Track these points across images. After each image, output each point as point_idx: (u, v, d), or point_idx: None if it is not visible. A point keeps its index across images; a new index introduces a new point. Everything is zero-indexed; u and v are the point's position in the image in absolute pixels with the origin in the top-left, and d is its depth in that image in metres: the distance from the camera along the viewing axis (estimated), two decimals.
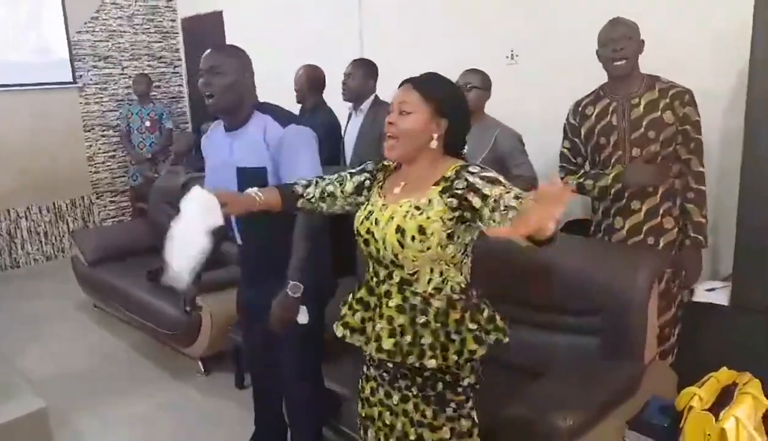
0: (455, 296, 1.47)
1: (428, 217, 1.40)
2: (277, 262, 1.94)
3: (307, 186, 1.65)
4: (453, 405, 1.52)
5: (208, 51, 1.95)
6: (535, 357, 2.14)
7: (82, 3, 5.42)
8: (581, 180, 2.36)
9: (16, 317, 4.17)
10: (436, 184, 1.44)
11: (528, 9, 3.29)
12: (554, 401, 1.76)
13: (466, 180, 1.39)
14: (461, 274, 1.49)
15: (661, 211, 2.27)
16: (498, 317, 1.54)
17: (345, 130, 3.33)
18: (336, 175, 1.66)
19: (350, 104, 3.34)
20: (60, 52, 5.36)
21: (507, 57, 3.35)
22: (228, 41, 5.36)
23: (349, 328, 1.57)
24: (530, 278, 2.18)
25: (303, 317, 1.92)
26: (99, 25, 5.57)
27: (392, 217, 1.45)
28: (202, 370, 3.28)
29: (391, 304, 1.48)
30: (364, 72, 3.17)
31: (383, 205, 1.51)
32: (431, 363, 1.45)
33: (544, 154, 2.74)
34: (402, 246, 1.42)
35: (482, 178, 1.38)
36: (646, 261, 2.06)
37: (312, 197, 1.63)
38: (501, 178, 1.39)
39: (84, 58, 5.50)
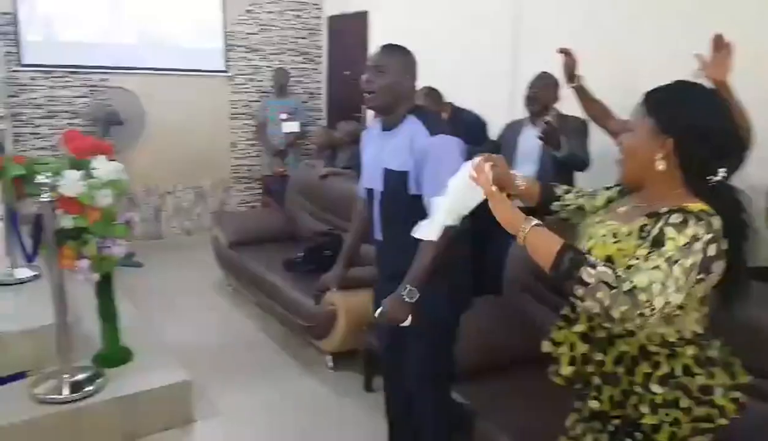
0: (653, 348, 1.29)
1: (620, 249, 1.26)
2: None
3: (567, 191, 1.58)
4: None
5: (377, 48, 2.01)
6: None
7: None
8: None
9: (158, 285, 4.45)
10: (648, 216, 1.28)
11: None
12: None
13: (661, 229, 1.21)
14: (670, 326, 1.29)
15: None
16: (728, 383, 1.31)
17: (517, 142, 3.22)
18: (589, 189, 1.57)
19: (527, 115, 3.23)
20: (216, 42, 5.71)
21: None
22: (371, 42, 5.45)
23: (555, 344, 1.46)
24: None
25: (407, 322, 1.93)
26: (252, 18, 5.86)
27: (591, 238, 1.36)
28: (331, 365, 3.33)
29: (577, 329, 1.39)
30: (554, 82, 3.08)
31: (599, 221, 1.41)
32: (593, 404, 1.34)
33: None
34: None
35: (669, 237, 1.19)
36: None
37: (569, 205, 1.56)
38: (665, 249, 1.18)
39: (236, 49, 5.81)
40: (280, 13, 5.98)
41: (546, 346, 1.47)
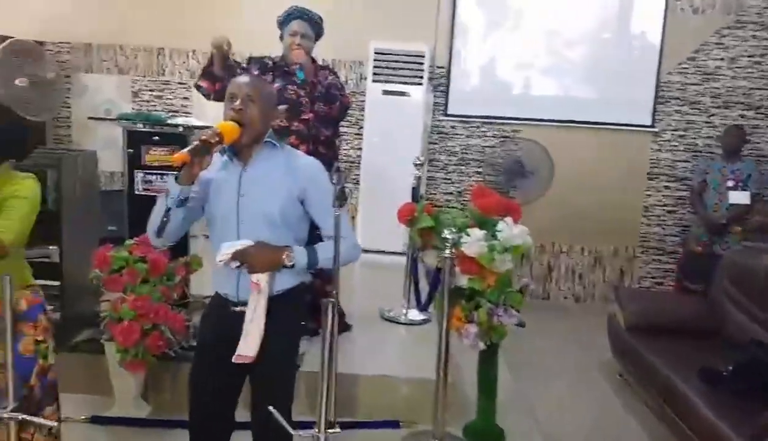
0: None
1: None
2: None
3: None
4: None
5: None
6: None
7: (683, 42, 5.00)
8: None
9: (538, 354, 4.08)
10: None
11: None
12: None
13: None
14: None
15: None
16: None
17: None
18: None
19: None
20: (644, 94, 5.08)
21: None
22: None
23: None
24: None
25: None
26: (694, 67, 5.05)
27: None
28: None
29: None
30: None
31: None
32: None
33: None
34: None
35: None
36: None
37: None
38: None
39: (668, 101, 5.09)
40: (732, 60, 4.99)
41: None
